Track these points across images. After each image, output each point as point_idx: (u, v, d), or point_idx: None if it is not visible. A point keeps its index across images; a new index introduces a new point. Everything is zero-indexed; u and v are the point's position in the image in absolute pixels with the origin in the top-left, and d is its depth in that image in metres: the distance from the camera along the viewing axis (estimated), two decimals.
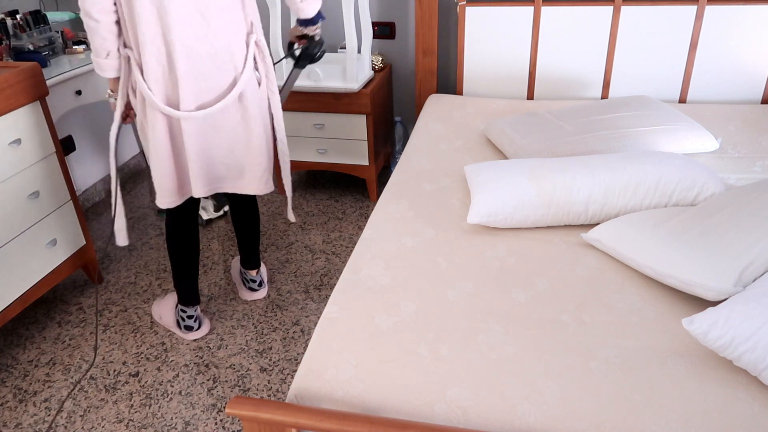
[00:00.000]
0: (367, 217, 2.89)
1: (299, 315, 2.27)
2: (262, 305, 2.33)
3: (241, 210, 2.14)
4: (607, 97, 2.68)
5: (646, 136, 2.02)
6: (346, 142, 2.88)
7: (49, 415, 1.88)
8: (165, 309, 2.22)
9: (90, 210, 3.13)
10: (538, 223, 1.67)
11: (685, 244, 1.38)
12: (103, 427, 1.83)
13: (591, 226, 1.68)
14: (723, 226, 1.39)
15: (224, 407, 1.87)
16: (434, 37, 2.75)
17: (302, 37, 1.99)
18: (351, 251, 2.63)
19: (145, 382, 1.99)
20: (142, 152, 1.85)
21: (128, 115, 1.85)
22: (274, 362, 2.05)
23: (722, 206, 1.47)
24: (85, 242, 2.35)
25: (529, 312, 1.35)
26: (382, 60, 2.99)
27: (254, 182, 1.94)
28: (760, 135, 2.20)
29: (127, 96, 1.79)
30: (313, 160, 2.98)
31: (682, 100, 2.63)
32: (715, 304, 1.32)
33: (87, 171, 3.15)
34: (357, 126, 2.82)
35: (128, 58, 1.70)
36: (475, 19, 2.66)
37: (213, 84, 1.73)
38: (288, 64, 2.70)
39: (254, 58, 1.79)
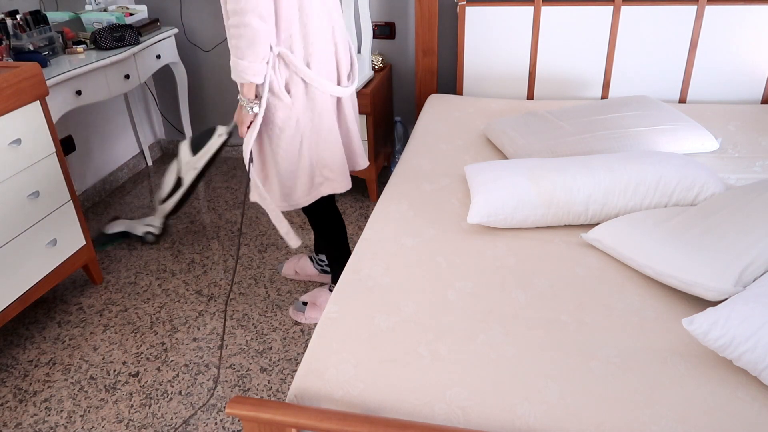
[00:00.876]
0: (367, 217, 2.89)
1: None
2: (262, 305, 2.33)
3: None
4: (607, 97, 2.68)
5: (646, 136, 2.02)
6: None
7: (49, 415, 1.88)
8: (323, 299, 2.22)
9: (90, 210, 3.13)
10: (538, 223, 1.67)
11: (685, 244, 1.38)
12: (103, 427, 1.83)
13: (591, 226, 1.68)
14: (723, 226, 1.39)
15: (224, 407, 1.87)
16: (434, 37, 2.75)
17: None
18: (351, 251, 2.63)
19: (145, 382, 1.99)
20: (250, 159, 1.81)
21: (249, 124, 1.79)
22: (274, 362, 2.05)
23: (722, 206, 1.47)
24: (85, 242, 2.35)
25: (529, 312, 1.35)
26: (382, 60, 2.99)
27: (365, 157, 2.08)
28: (760, 135, 2.20)
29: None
30: None
31: (682, 100, 2.63)
32: (715, 304, 1.32)
33: (87, 171, 3.15)
34: None
35: (280, 58, 1.67)
36: (475, 19, 2.66)
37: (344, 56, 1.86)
38: None
39: None
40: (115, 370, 2.05)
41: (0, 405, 1.93)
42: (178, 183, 2.34)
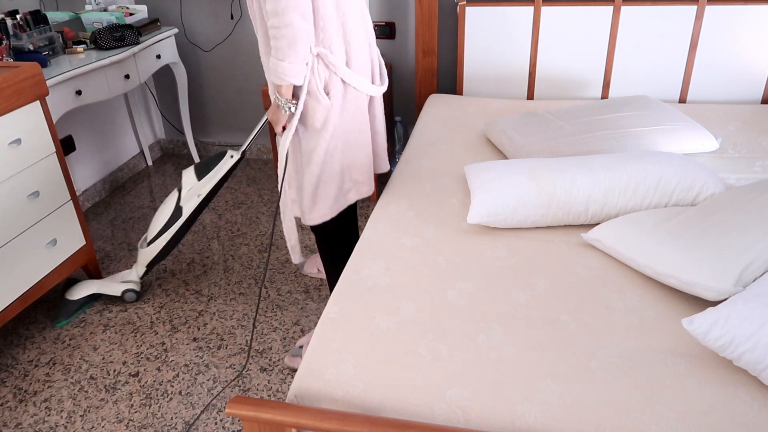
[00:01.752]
0: (367, 217, 2.89)
1: (299, 315, 2.27)
2: (262, 305, 2.33)
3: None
4: (607, 97, 2.68)
5: (646, 136, 2.02)
6: None
7: (49, 415, 1.88)
8: None
9: (90, 210, 3.13)
10: (538, 223, 1.67)
11: (685, 244, 1.38)
12: (103, 427, 1.83)
13: (591, 226, 1.68)
14: (723, 226, 1.39)
15: (224, 407, 1.88)
16: (434, 37, 2.75)
17: None
18: None
19: (145, 382, 1.99)
20: (285, 163, 1.75)
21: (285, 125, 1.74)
22: (274, 362, 2.05)
23: (722, 206, 1.47)
24: (85, 242, 2.35)
25: (529, 312, 1.35)
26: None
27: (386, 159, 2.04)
28: (760, 135, 2.20)
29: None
30: None
31: (682, 100, 2.63)
32: (715, 304, 1.32)
33: (87, 171, 3.15)
34: None
35: (319, 59, 1.63)
36: (475, 19, 2.66)
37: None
38: None
39: None
40: (115, 370, 2.05)
41: (0, 405, 1.93)
42: (176, 214, 2.12)
